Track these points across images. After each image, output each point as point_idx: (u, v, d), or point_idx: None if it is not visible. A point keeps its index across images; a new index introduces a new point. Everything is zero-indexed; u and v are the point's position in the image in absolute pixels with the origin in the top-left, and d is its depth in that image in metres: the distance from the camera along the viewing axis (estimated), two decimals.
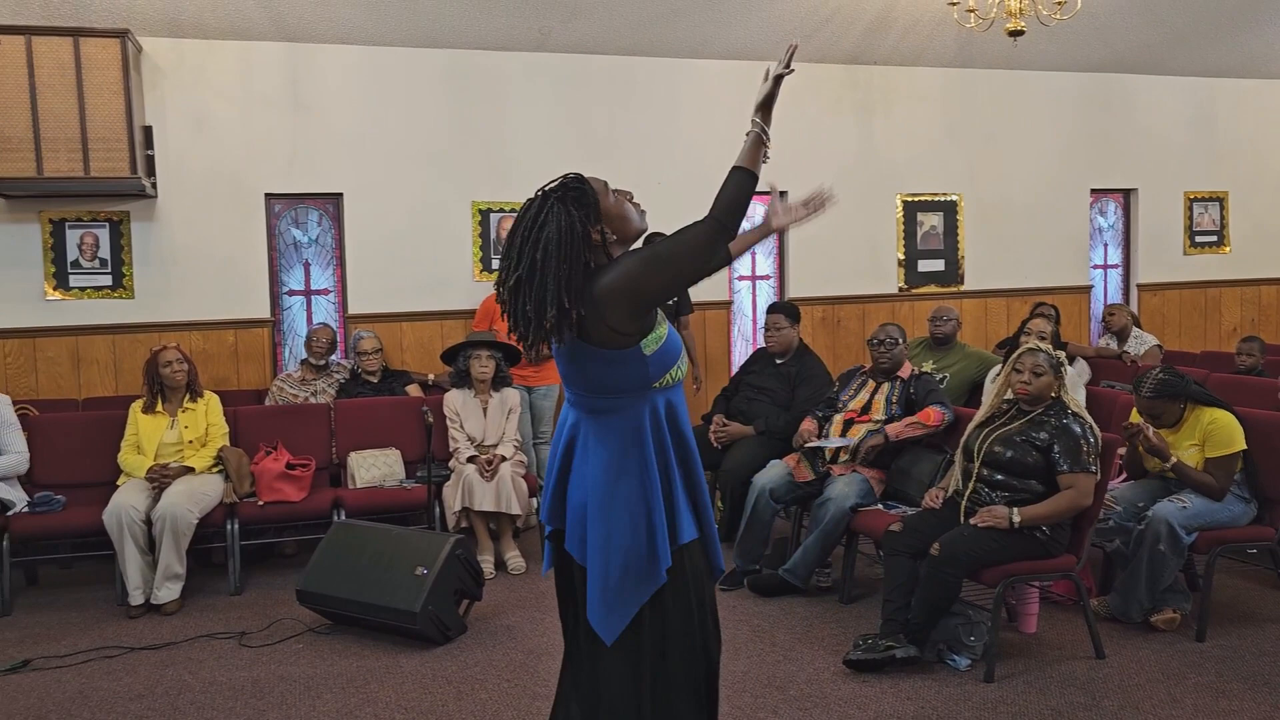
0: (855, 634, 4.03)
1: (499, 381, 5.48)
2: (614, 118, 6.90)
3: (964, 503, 3.94)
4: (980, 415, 4.10)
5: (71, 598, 4.96)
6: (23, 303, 5.92)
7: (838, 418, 4.90)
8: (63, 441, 5.20)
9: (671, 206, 6.92)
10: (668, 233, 2.35)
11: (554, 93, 6.76)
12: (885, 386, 4.86)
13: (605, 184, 2.39)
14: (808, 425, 4.89)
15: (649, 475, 2.35)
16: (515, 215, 2.35)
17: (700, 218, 2.28)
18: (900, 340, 4.89)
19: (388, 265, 6.49)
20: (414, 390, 6.02)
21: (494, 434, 5.38)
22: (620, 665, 2.39)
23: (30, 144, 5.43)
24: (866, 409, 4.83)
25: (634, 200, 2.44)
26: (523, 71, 6.68)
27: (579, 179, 2.34)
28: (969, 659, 3.82)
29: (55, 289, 5.98)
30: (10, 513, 4.83)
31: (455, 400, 5.42)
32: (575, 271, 2.24)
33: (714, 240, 2.27)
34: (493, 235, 6.71)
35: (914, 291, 7.69)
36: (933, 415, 4.65)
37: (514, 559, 5.18)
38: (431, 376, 6.29)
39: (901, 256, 7.67)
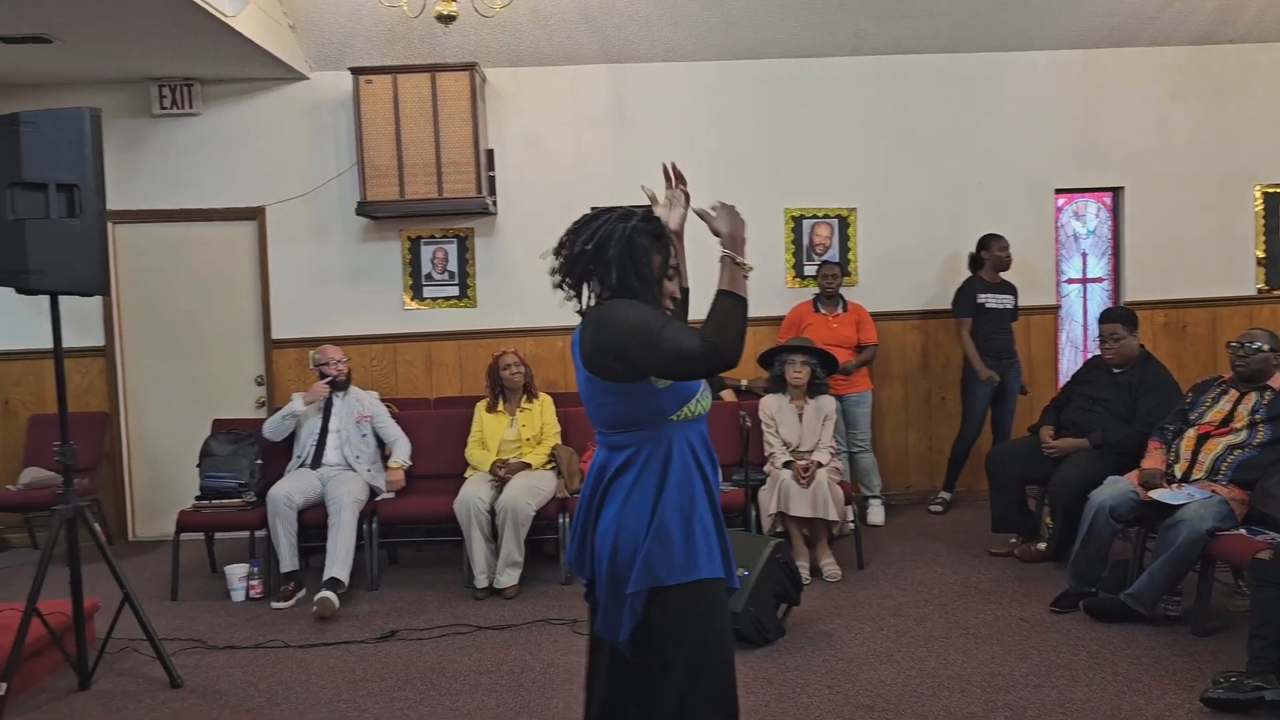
0: (1212, 670, 3.67)
1: (814, 388, 5.48)
2: (931, 118, 6.70)
3: None
4: None
5: (425, 578, 5.50)
6: (386, 312, 6.65)
7: (1190, 432, 4.47)
8: (418, 436, 5.77)
9: (991, 206, 6.66)
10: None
11: (869, 96, 6.67)
12: (1250, 397, 4.37)
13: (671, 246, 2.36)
14: (1155, 462, 4.50)
15: (664, 500, 2.24)
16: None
17: (695, 352, 2.14)
18: (1266, 346, 4.38)
19: (702, 273, 6.62)
20: (728, 395, 6.16)
21: (809, 440, 5.39)
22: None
23: (394, 170, 6.10)
24: (1227, 421, 4.37)
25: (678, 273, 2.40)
26: (837, 76, 6.65)
27: (657, 219, 2.35)
28: None
29: (412, 299, 6.67)
30: (378, 498, 5.44)
31: (771, 405, 5.48)
32: (628, 265, 2.25)
33: (698, 358, 2.12)
34: (805, 242, 6.72)
35: (1276, 293, 6.87)
36: None
37: (829, 566, 5.16)
38: (745, 382, 6.39)
39: (1261, 254, 6.87)
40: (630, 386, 2.23)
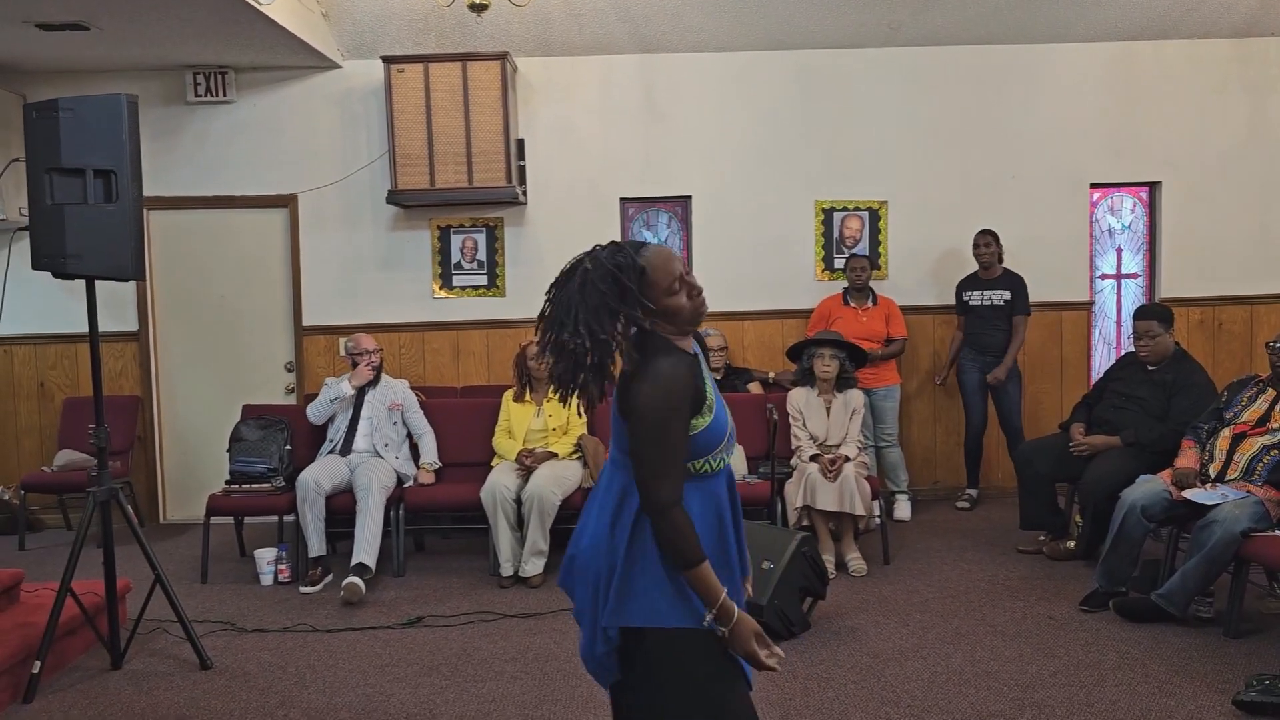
0: (1245, 673, 3.63)
1: (843, 382, 5.45)
2: (965, 111, 6.63)
3: None
4: None
5: (451, 565, 5.53)
6: (415, 301, 6.67)
7: (1225, 431, 4.41)
8: (445, 425, 5.80)
9: (1025, 201, 6.60)
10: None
11: (901, 87, 6.61)
12: None
13: (670, 257, 2.09)
14: (1189, 462, 4.45)
15: (638, 545, 2.08)
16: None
17: (663, 501, 1.99)
18: None
19: (732, 264, 6.64)
20: (755, 388, 6.14)
21: (836, 433, 5.36)
22: None
23: (425, 159, 6.12)
24: (1263, 420, 4.31)
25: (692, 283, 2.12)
26: (870, 68, 6.59)
27: (626, 246, 2.08)
28: None
29: (441, 288, 6.69)
30: (405, 485, 5.47)
31: (799, 398, 5.45)
32: (603, 303, 2.00)
33: (654, 505, 1.99)
34: (835, 234, 6.68)
35: None
36: None
37: (855, 561, 5.13)
38: (772, 375, 6.37)
39: None
40: None
